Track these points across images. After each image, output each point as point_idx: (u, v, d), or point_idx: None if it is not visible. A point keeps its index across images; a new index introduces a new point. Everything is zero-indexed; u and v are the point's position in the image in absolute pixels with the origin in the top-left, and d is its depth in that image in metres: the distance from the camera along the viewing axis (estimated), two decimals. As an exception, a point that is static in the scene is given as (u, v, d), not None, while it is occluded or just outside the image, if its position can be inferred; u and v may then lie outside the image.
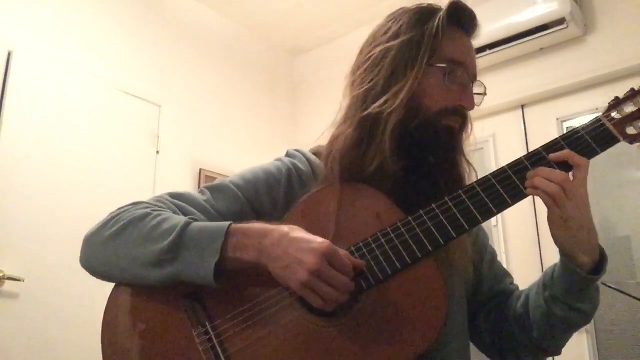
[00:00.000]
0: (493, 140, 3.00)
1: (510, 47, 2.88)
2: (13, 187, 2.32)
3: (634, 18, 2.63)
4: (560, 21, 2.68)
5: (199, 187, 3.15)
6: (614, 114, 0.86)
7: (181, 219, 0.84)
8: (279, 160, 0.99)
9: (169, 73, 3.13)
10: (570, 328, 0.89)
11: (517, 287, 1.02)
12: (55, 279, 2.29)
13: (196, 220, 0.85)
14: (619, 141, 0.85)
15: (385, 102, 0.88)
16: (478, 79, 0.96)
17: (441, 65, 0.90)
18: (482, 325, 0.99)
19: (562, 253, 0.85)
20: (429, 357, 0.78)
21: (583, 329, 2.47)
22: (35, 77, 2.50)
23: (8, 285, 2.21)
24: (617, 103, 0.88)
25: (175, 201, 0.91)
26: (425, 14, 0.93)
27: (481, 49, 2.94)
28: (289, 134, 3.75)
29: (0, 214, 2.26)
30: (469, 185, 0.84)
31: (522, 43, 2.84)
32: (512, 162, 0.85)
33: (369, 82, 0.92)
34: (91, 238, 0.88)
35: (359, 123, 0.91)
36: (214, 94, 3.39)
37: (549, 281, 0.87)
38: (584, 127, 0.86)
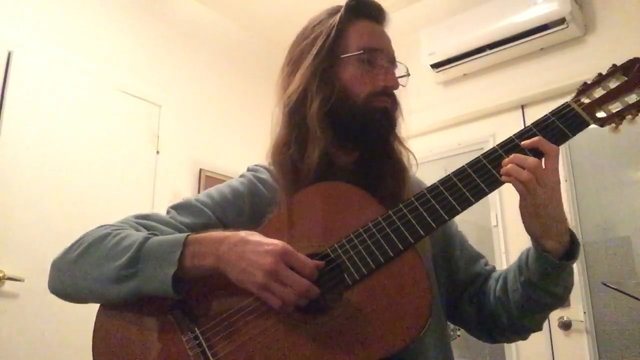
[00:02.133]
0: (493, 140, 2.99)
1: (510, 47, 2.88)
2: (13, 187, 2.32)
3: (634, 18, 2.63)
4: (560, 21, 2.68)
5: (198, 187, 3.16)
6: (583, 99, 0.88)
7: (140, 235, 0.86)
8: (242, 176, 1.04)
9: (169, 73, 3.13)
10: (547, 309, 0.92)
11: (494, 268, 1.04)
12: (55, 279, 2.28)
13: (156, 235, 0.86)
14: (588, 124, 0.86)
15: (301, 94, 0.94)
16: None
17: (355, 54, 0.95)
18: (467, 309, 1.01)
19: (532, 239, 0.87)
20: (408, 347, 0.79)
21: (583, 329, 2.47)
22: (35, 77, 2.49)
23: (8, 285, 2.22)
24: (585, 88, 0.90)
25: (141, 221, 0.94)
26: (331, 11, 1.01)
27: (481, 49, 2.94)
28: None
29: (0, 214, 2.26)
30: (446, 176, 0.86)
31: (522, 43, 2.84)
32: (487, 151, 0.87)
33: (289, 84, 0.98)
34: (56, 263, 0.91)
35: (286, 121, 0.97)
36: (214, 94, 3.39)
37: (523, 266, 0.89)
38: (554, 113, 0.87)
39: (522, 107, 2.96)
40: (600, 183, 2.61)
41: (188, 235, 0.84)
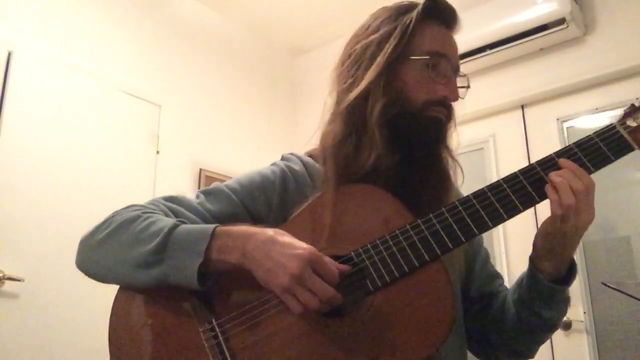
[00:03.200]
0: (493, 140, 3.00)
1: (510, 47, 2.88)
2: (13, 187, 2.31)
3: (634, 18, 2.63)
4: (560, 21, 2.68)
5: (198, 187, 3.15)
6: (629, 122, 0.84)
7: (169, 222, 0.84)
8: (274, 164, 1.00)
9: (169, 73, 3.13)
10: (534, 333, 0.90)
11: (506, 289, 1.02)
12: (55, 279, 2.29)
13: (185, 223, 0.85)
14: (633, 149, 0.82)
15: (365, 93, 0.90)
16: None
17: (422, 57, 0.92)
18: (469, 325, 1.00)
19: (532, 251, 0.86)
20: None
21: (583, 329, 2.47)
22: (35, 77, 2.49)
23: (8, 285, 2.21)
24: (632, 110, 0.86)
25: (169, 204, 0.92)
26: (403, 9, 0.96)
27: (481, 49, 2.94)
28: (289, 134, 3.75)
29: (0, 214, 2.26)
30: (480, 189, 0.83)
31: (522, 43, 2.84)
32: (525, 167, 0.84)
33: (351, 77, 0.94)
34: (85, 241, 0.89)
35: (345, 117, 0.93)
36: (214, 94, 3.39)
37: (519, 284, 0.89)
38: (598, 134, 0.83)
39: (522, 107, 2.96)
40: (600, 183, 2.60)
41: (217, 226, 0.82)
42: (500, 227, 2.84)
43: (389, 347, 0.76)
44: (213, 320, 0.83)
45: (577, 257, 2.56)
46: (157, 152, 2.93)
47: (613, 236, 2.55)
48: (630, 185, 2.56)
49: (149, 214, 0.87)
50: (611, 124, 0.84)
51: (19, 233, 2.29)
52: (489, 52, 2.92)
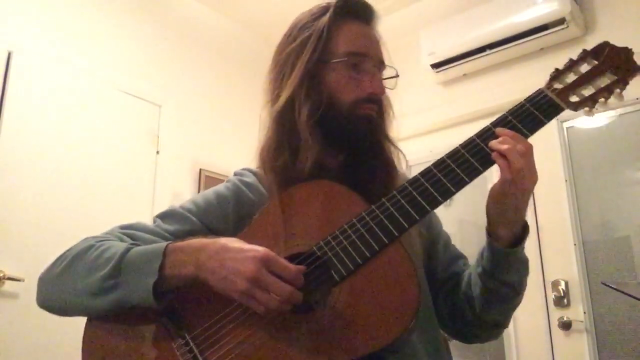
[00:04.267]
0: (493, 140, 2.99)
1: (510, 47, 2.88)
2: (13, 187, 2.32)
3: (634, 18, 2.63)
4: (560, 21, 2.68)
5: (198, 187, 3.16)
6: (555, 85, 0.89)
7: (122, 246, 0.86)
8: (227, 181, 1.03)
9: (169, 73, 3.13)
10: (504, 301, 0.92)
11: (470, 267, 1.04)
12: (55, 279, 2.28)
13: (138, 246, 0.86)
14: (562, 109, 0.87)
15: (290, 101, 0.93)
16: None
17: (341, 60, 0.94)
18: (442, 308, 1.01)
19: (487, 221, 0.88)
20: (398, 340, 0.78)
21: (583, 329, 2.47)
22: (35, 77, 2.50)
23: (8, 285, 2.22)
24: (557, 74, 0.91)
25: (125, 230, 0.94)
26: (318, 13, 0.98)
27: (481, 49, 2.94)
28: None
29: (0, 214, 2.26)
30: (426, 168, 0.86)
31: (522, 43, 2.84)
32: (464, 141, 0.87)
33: (277, 88, 0.98)
34: (43, 278, 0.91)
35: (275, 127, 0.96)
36: (214, 94, 3.39)
37: (479, 257, 0.91)
38: (528, 100, 0.88)
39: (522, 107, 2.96)
40: (600, 183, 2.61)
41: (168, 244, 0.84)
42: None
43: (360, 334, 0.77)
44: (186, 335, 0.83)
45: (577, 257, 2.56)
46: (157, 152, 2.93)
47: (613, 236, 2.55)
48: (630, 185, 2.56)
49: (102, 242, 0.89)
50: (539, 89, 0.89)
51: (19, 233, 2.29)
52: (489, 52, 2.93)
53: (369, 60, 0.95)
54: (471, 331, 1.00)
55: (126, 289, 0.82)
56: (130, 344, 0.85)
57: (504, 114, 0.88)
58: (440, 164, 0.85)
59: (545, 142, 2.78)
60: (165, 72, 3.11)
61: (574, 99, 0.89)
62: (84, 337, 0.89)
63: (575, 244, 2.58)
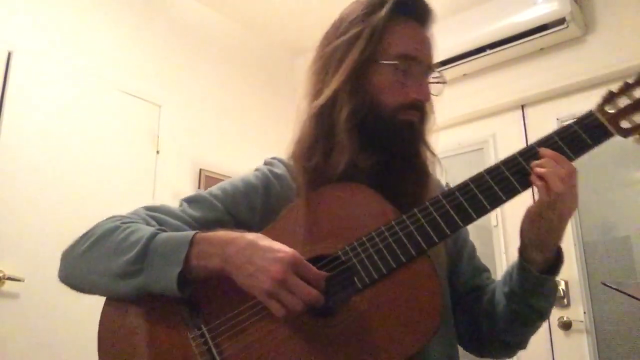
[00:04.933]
0: (493, 140, 2.99)
1: (510, 47, 2.88)
2: (13, 187, 2.31)
3: (633, 18, 2.63)
4: (560, 21, 2.68)
5: (198, 187, 3.16)
6: (607, 108, 0.85)
7: (148, 230, 0.84)
8: (257, 169, 1.00)
9: (169, 73, 3.13)
10: (527, 324, 0.90)
11: (494, 281, 1.03)
12: (55, 279, 2.27)
13: (165, 231, 0.85)
14: (612, 135, 0.83)
15: (332, 98, 0.89)
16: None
17: (391, 62, 0.90)
18: (459, 318, 0.99)
19: (520, 243, 0.86)
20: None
21: (583, 329, 2.47)
22: (35, 77, 2.49)
23: (8, 285, 2.21)
24: (610, 97, 0.87)
25: (151, 213, 0.92)
26: (373, 6, 0.92)
27: (481, 49, 2.94)
28: (289, 134, 3.74)
29: (0, 214, 2.26)
30: (463, 182, 0.83)
31: (522, 43, 2.84)
32: (506, 158, 0.84)
33: (320, 82, 0.93)
34: (66, 254, 0.90)
35: (313, 123, 0.92)
36: (214, 94, 3.39)
37: (508, 277, 0.89)
38: (577, 122, 0.84)
39: (522, 107, 2.97)
40: (600, 183, 2.61)
41: (196, 233, 0.82)
42: (500, 226, 2.84)
43: (379, 344, 0.76)
44: (203, 326, 0.82)
45: (577, 257, 2.56)
46: (157, 152, 2.93)
47: (613, 236, 2.55)
48: (630, 185, 2.56)
49: (128, 224, 0.87)
50: (589, 111, 0.85)
51: (19, 233, 2.29)
52: (489, 52, 2.93)
53: (418, 64, 0.91)
54: (486, 348, 0.98)
55: (150, 275, 0.81)
56: (146, 328, 0.85)
57: (550, 134, 0.84)
58: (478, 179, 0.82)
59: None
60: (165, 72, 3.11)
61: (625, 124, 0.84)
62: (101, 315, 0.88)
63: (575, 244, 2.58)
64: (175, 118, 3.07)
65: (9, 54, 2.42)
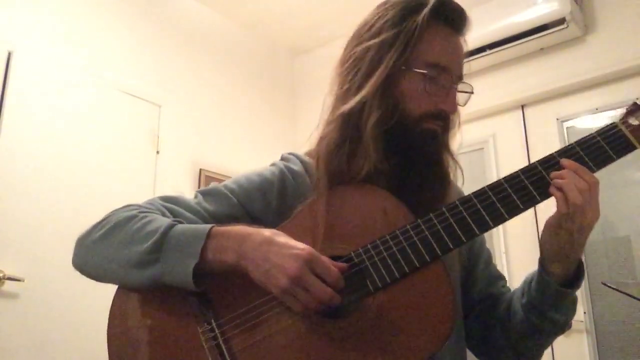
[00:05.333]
0: (493, 140, 2.99)
1: (510, 47, 2.88)
2: (13, 187, 2.31)
3: (634, 18, 2.63)
4: (560, 21, 2.68)
5: (198, 187, 3.15)
6: (631, 120, 0.82)
7: (165, 221, 0.84)
8: (273, 164, 0.99)
9: (169, 73, 3.13)
10: (544, 336, 0.89)
11: (509, 290, 1.01)
12: (55, 279, 2.28)
13: (181, 223, 0.85)
14: (636, 148, 0.81)
15: (361, 103, 0.88)
16: (467, 79, 0.95)
17: (421, 71, 0.88)
18: (472, 325, 0.99)
19: (540, 255, 0.85)
20: None
21: (583, 329, 2.47)
22: (35, 77, 2.49)
23: (8, 285, 2.21)
24: (635, 108, 0.84)
25: (166, 204, 0.92)
26: (409, 10, 0.90)
27: (481, 49, 2.94)
28: (289, 134, 3.75)
29: (0, 214, 2.26)
30: (481, 189, 0.82)
31: (522, 43, 2.84)
32: (525, 166, 0.82)
33: (349, 82, 0.91)
34: (81, 240, 0.89)
35: (340, 125, 0.91)
36: (214, 94, 3.39)
37: (527, 288, 0.87)
38: (600, 133, 0.82)
39: (522, 107, 2.96)
40: (601, 183, 2.61)
41: (212, 227, 0.82)
42: (500, 227, 2.84)
43: (389, 348, 0.76)
44: (212, 321, 0.82)
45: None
46: (157, 152, 2.93)
47: (613, 236, 2.55)
48: (630, 185, 2.56)
49: (145, 214, 0.87)
50: (613, 123, 0.83)
51: (19, 233, 2.29)
52: (489, 52, 2.92)
53: (448, 74, 0.90)
54: (499, 356, 0.97)
55: (165, 267, 0.80)
56: (157, 320, 0.85)
57: (572, 144, 0.82)
58: (496, 187, 0.81)
59: (545, 142, 2.78)
60: (165, 72, 3.11)
61: None
62: (113, 302, 0.88)
63: (575, 244, 2.58)
64: (175, 118, 3.07)
65: (9, 54, 2.42)
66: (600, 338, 2.47)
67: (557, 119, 2.79)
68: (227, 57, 3.53)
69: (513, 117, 2.97)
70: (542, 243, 0.84)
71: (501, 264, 2.75)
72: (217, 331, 0.82)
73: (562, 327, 0.87)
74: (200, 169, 3.14)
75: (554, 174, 0.80)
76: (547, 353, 2.79)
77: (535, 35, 2.78)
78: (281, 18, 3.60)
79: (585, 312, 2.51)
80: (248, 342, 0.80)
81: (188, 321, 0.83)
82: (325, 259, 0.78)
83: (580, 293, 2.51)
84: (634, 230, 2.49)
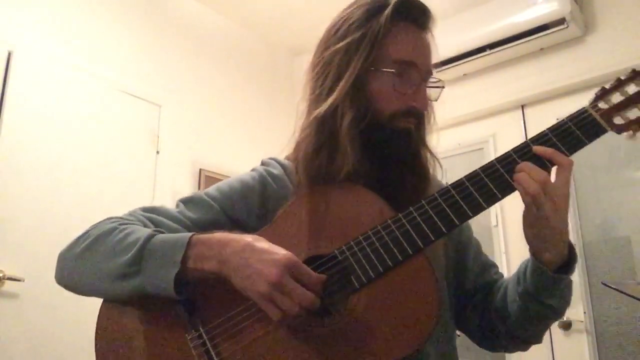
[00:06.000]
0: (493, 140, 3.00)
1: (510, 47, 2.88)
2: (13, 187, 2.31)
3: (634, 18, 2.63)
4: (560, 21, 2.69)
5: (198, 187, 3.16)
6: (600, 104, 0.86)
7: (145, 232, 0.84)
8: (253, 170, 1.01)
9: (169, 73, 3.13)
10: (543, 321, 0.91)
11: (502, 276, 1.03)
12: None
13: (162, 232, 0.86)
14: (606, 131, 0.84)
15: (333, 106, 0.89)
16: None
17: (389, 70, 0.90)
18: (471, 316, 1.00)
19: (530, 248, 0.86)
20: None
21: (583, 329, 2.47)
22: (35, 77, 2.49)
23: (8, 285, 2.21)
24: (603, 93, 0.87)
25: (148, 214, 0.92)
26: (373, 11, 0.91)
27: (481, 49, 2.94)
28: (289, 134, 3.74)
29: (0, 214, 2.26)
30: (458, 180, 0.84)
31: (522, 43, 2.85)
32: (501, 155, 0.85)
33: (320, 87, 0.92)
34: (63, 255, 0.90)
35: (315, 129, 0.92)
36: (214, 94, 3.39)
37: (522, 277, 0.88)
38: (571, 118, 0.85)
39: (522, 107, 2.97)
40: (600, 183, 2.61)
41: (192, 235, 0.82)
42: (500, 227, 2.84)
43: (376, 343, 0.76)
44: (200, 328, 0.83)
45: (577, 257, 2.56)
46: (157, 152, 2.93)
47: (613, 236, 2.55)
48: (630, 185, 2.56)
49: (125, 225, 0.87)
50: (583, 108, 0.86)
51: (19, 233, 2.29)
52: (489, 52, 2.93)
53: (416, 70, 0.91)
54: (500, 343, 0.98)
55: (147, 277, 0.81)
56: (144, 330, 0.85)
57: (545, 131, 0.85)
58: (473, 177, 0.83)
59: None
60: (165, 72, 3.11)
61: (618, 120, 0.85)
62: (99, 316, 0.88)
63: (575, 244, 2.57)
64: (175, 118, 3.07)
65: (9, 54, 2.42)
66: (600, 338, 2.47)
67: (557, 119, 2.76)
68: (227, 57, 3.54)
69: (513, 117, 2.97)
70: (526, 237, 0.85)
71: (501, 264, 2.75)
72: (205, 337, 0.82)
73: (561, 311, 0.89)
74: (200, 169, 3.14)
75: (516, 168, 0.82)
76: (547, 353, 2.80)
77: (535, 35, 2.78)
78: (281, 18, 3.60)
79: (585, 312, 2.51)
80: (237, 347, 0.81)
81: (175, 329, 0.84)
82: (305, 266, 0.78)
83: (580, 293, 2.52)
84: (634, 230, 2.49)
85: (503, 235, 2.82)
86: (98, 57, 2.79)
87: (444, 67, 3.09)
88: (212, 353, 0.81)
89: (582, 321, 2.50)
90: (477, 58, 2.98)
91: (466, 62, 3.01)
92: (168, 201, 2.96)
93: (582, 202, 2.62)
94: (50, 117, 2.50)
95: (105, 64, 2.81)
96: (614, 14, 2.70)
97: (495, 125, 3.01)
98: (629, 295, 1.97)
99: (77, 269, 0.87)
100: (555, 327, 2.55)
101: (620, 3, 2.69)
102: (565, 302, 0.88)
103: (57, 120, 2.52)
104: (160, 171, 2.90)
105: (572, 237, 2.57)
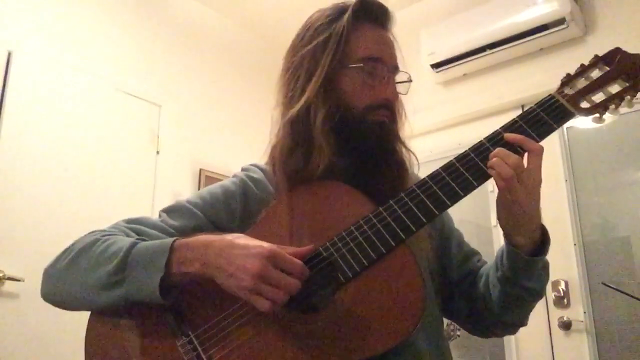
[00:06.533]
0: (493, 140, 2.99)
1: (510, 47, 2.88)
2: (13, 187, 2.32)
3: (634, 18, 2.63)
4: (560, 21, 2.68)
5: (198, 187, 3.16)
6: (566, 90, 0.90)
7: (128, 241, 0.85)
8: (234, 175, 1.03)
9: (169, 73, 3.13)
10: (524, 304, 0.93)
11: (485, 263, 1.05)
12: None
13: (145, 241, 0.86)
14: (573, 115, 0.87)
15: (306, 106, 0.93)
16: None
17: (357, 65, 0.93)
18: (459, 305, 1.02)
19: (503, 232, 0.88)
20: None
21: (583, 329, 2.47)
22: (35, 77, 2.50)
23: (8, 285, 2.22)
24: (568, 79, 0.92)
25: (130, 225, 0.94)
26: (335, 16, 0.97)
27: (481, 49, 2.94)
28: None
29: (0, 214, 2.26)
30: (435, 171, 0.86)
31: (522, 43, 2.84)
32: (475, 144, 0.87)
33: (292, 90, 0.97)
34: (47, 271, 0.91)
35: (289, 130, 0.95)
36: (214, 94, 3.39)
37: (499, 262, 0.91)
38: (539, 105, 0.88)
39: (522, 107, 2.96)
40: (600, 183, 2.61)
41: (175, 240, 0.83)
42: (500, 226, 2.83)
43: (365, 336, 0.77)
44: (190, 332, 0.83)
45: (577, 257, 2.56)
46: (157, 152, 2.93)
47: (613, 236, 2.55)
48: (630, 185, 2.56)
49: (108, 237, 0.88)
50: (550, 94, 0.89)
51: (19, 233, 2.29)
52: (489, 52, 2.93)
53: (383, 65, 0.95)
54: (489, 328, 1.01)
55: (132, 284, 0.81)
56: (134, 339, 0.85)
57: (515, 119, 0.88)
58: (449, 167, 0.85)
59: (545, 142, 2.77)
60: (165, 72, 3.11)
61: (584, 104, 0.89)
62: (87, 329, 0.89)
63: (575, 244, 2.58)
64: (175, 118, 3.07)
65: (9, 54, 2.43)
66: (600, 338, 2.47)
67: (557, 119, 2.79)
68: (227, 57, 3.54)
69: (513, 117, 2.97)
70: (499, 220, 0.87)
71: (501, 264, 2.75)
72: (195, 342, 0.82)
73: (539, 292, 0.91)
74: (200, 169, 3.14)
75: (490, 155, 0.83)
76: (547, 353, 2.79)
77: (535, 35, 2.78)
78: (281, 18, 3.60)
79: (585, 312, 2.51)
80: (227, 349, 0.81)
81: (165, 336, 0.84)
82: (289, 249, 0.79)
83: (580, 293, 2.52)
84: (634, 230, 2.49)
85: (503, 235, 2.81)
86: (98, 57, 2.79)
87: (444, 67, 3.10)
88: (204, 357, 0.81)
89: (582, 321, 2.50)
90: (477, 58, 2.98)
91: (466, 62, 3.01)
92: (168, 201, 2.97)
93: (582, 202, 2.62)
94: (50, 117, 2.50)
95: (105, 64, 2.81)
96: (614, 14, 2.70)
97: (496, 125, 2.96)
98: (629, 295, 1.97)
99: (61, 283, 0.88)
100: (555, 327, 2.55)
101: (620, 3, 2.69)
102: (542, 284, 0.90)
103: (57, 120, 2.53)
104: (160, 171, 2.91)
105: (572, 237, 2.57)
